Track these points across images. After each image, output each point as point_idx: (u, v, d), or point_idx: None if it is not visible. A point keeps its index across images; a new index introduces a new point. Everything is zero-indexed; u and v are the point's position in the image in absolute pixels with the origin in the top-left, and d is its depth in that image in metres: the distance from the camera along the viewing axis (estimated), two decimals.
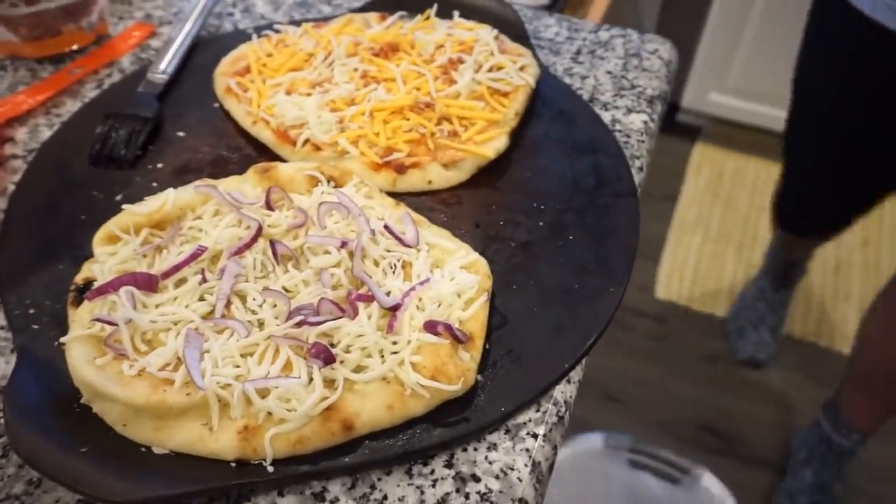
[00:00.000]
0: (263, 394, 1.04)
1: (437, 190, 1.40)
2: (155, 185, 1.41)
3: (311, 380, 1.06)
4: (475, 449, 1.09)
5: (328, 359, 1.07)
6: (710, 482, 2.62)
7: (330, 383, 1.08)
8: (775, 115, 4.72)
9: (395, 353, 1.11)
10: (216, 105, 1.59)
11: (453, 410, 1.10)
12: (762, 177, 4.77)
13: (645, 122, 1.57)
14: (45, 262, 1.27)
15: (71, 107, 1.61)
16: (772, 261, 3.66)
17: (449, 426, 1.08)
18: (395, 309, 1.14)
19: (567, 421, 1.16)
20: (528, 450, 1.09)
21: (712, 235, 4.54)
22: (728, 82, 4.23)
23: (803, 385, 3.82)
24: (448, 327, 1.12)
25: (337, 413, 1.04)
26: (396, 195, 1.37)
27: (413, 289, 1.17)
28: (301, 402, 1.03)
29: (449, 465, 1.07)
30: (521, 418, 1.12)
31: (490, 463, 1.07)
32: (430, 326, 1.13)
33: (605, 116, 1.57)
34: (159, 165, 1.45)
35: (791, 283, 3.69)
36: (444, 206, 1.38)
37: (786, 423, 3.68)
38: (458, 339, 1.13)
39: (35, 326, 1.18)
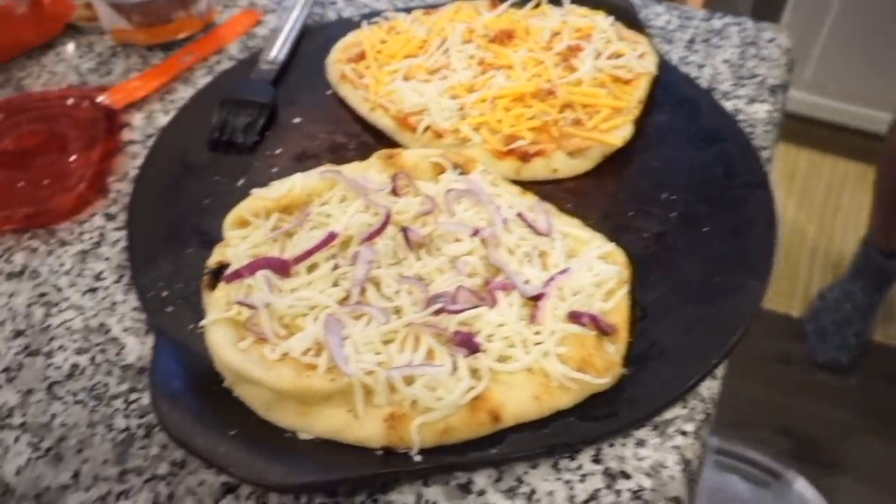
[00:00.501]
0: (409, 381, 1.01)
1: (562, 179, 1.36)
2: (275, 170, 1.40)
3: (455, 368, 1.03)
4: (623, 445, 1.05)
5: (473, 348, 1.04)
6: (802, 487, 2.54)
7: (473, 373, 1.05)
8: (853, 112, 4.58)
9: (537, 343, 1.08)
10: (329, 92, 1.57)
11: (599, 404, 1.06)
12: (838, 175, 4.62)
13: (769, 112, 1.51)
14: (173, 245, 1.27)
15: (184, 93, 1.61)
16: (864, 260, 3.54)
17: (596, 420, 1.04)
18: (537, 298, 1.10)
19: (713, 419, 1.12)
20: (678, 447, 1.05)
21: (785, 233, 4.41)
22: (804, 76, 4.10)
23: (886, 391, 3.69)
24: (594, 318, 1.09)
25: (484, 403, 1.01)
26: (520, 184, 1.34)
27: (554, 278, 1.13)
28: (447, 392, 1.00)
29: (596, 460, 1.03)
30: (668, 415, 1.08)
31: (639, 460, 1.03)
32: (576, 317, 1.09)
33: (727, 106, 1.52)
34: (278, 151, 1.44)
35: (884, 286, 3.56)
36: (570, 195, 1.34)
37: (864, 428, 3.56)
38: (605, 330, 1.09)
39: (169, 309, 1.17)
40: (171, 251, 1.25)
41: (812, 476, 3.17)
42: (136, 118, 1.53)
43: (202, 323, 1.09)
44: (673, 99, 1.51)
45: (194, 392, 1.05)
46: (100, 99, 1.51)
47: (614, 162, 1.39)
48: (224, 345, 1.04)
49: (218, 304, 1.12)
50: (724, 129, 1.45)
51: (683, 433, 1.06)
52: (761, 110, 1.53)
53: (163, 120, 1.52)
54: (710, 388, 1.12)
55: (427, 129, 1.40)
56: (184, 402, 1.02)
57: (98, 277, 1.25)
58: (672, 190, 1.34)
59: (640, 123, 1.45)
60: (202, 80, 1.64)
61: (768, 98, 1.56)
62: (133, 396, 1.09)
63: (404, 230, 1.18)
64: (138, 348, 1.15)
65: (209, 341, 1.06)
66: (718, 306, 1.17)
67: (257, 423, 1.02)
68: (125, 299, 1.22)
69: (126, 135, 1.50)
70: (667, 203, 1.32)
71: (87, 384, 1.10)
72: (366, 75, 1.50)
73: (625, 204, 1.32)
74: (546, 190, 1.36)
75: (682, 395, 1.08)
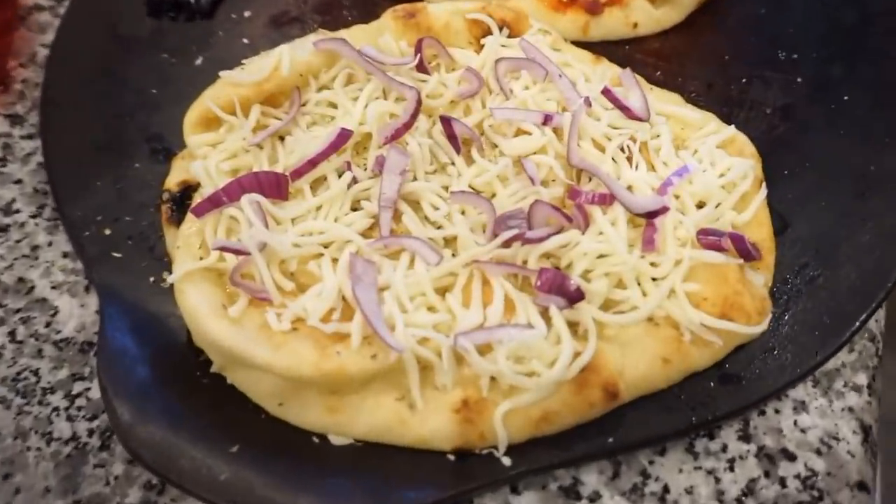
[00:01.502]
0: (484, 350, 0.69)
1: (644, 36, 1.02)
2: (246, 41, 1.02)
3: (549, 327, 0.71)
4: (776, 411, 0.77)
5: (571, 295, 0.72)
6: None
7: (573, 330, 0.73)
8: None
9: (656, 279, 0.76)
10: None
11: (741, 358, 0.77)
12: None
13: None
14: (112, 158, 0.90)
15: None
16: None
17: (741, 382, 0.74)
18: (651, 215, 0.77)
19: (882, 361, 0.83)
20: (850, 409, 0.77)
21: None
22: None
23: None
24: (738, 239, 0.76)
25: (594, 375, 0.71)
26: (588, 45, 0.97)
27: (668, 182, 0.80)
28: (543, 362, 0.69)
29: (745, 436, 0.76)
30: (831, 363, 0.78)
31: (803, 431, 0.76)
32: (710, 239, 0.77)
33: None
34: (247, 14, 1.05)
35: None
36: (657, 59, 1.00)
37: None
38: (750, 255, 0.77)
39: (116, 254, 0.82)
40: (110, 167, 0.89)
41: None
42: None
43: (170, 279, 0.74)
44: None
45: (167, 382, 0.72)
46: None
47: (709, 10, 1.06)
48: (206, 312, 0.71)
49: (188, 246, 0.78)
50: None
51: (856, 388, 0.78)
52: None
53: None
54: (878, 321, 0.83)
55: None
56: (153, 401, 0.70)
57: (7, 210, 0.89)
58: (792, 45, 1.01)
59: None
60: None
61: None
62: (77, 387, 0.77)
63: (443, 121, 0.83)
64: (77, 314, 0.82)
65: (182, 306, 0.73)
66: (880, 203, 0.85)
67: (267, 427, 0.71)
68: (50, 241, 0.86)
69: None
70: (788, 64, 0.99)
71: (6, 372, 0.77)
72: None
73: (733, 68, 0.99)
74: (623, 53, 1.01)
75: (848, 337, 0.78)
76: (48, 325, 0.81)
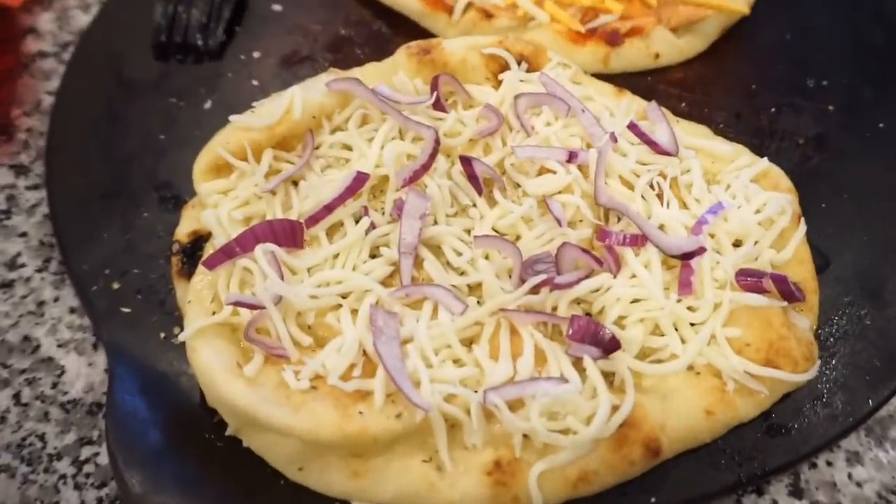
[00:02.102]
0: (516, 406, 0.65)
1: (667, 67, 0.99)
2: (255, 83, 0.99)
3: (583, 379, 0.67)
4: (829, 463, 0.72)
5: (607, 344, 0.67)
6: None
7: (608, 381, 0.68)
8: None
9: (695, 324, 0.72)
10: None
11: (787, 408, 0.72)
12: None
13: None
14: (119, 207, 0.87)
15: None
16: None
17: (784, 433, 0.70)
18: (687, 257, 0.72)
19: None
20: None
21: None
22: None
23: None
24: (780, 280, 0.72)
25: (634, 430, 0.66)
26: (609, 78, 0.94)
27: (703, 220, 0.75)
28: (578, 416, 0.64)
29: (796, 491, 0.71)
30: (884, 410, 0.74)
31: (858, 485, 0.71)
32: (750, 280, 0.72)
33: None
34: (256, 54, 1.02)
35: None
36: (681, 89, 0.96)
37: None
38: (796, 296, 0.72)
39: (125, 309, 0.78)
40: (118, 217, 0.86)
41: None
42: (44, 20, 1.09)
43: (181, 336, 0.70)
44: None
45: (180, 447, 0.68)
46: None
47: (733, 36, 1.02)
48: (220, 372, 0.67)
49: (200, 300, 0.74)
50: None
51: None
52: None
53: (82, 20, 1.09)
54: None
55: (469, 6, 0.99)
56: (166, 468, 0.66)
57: (13, 265, 0.85)
58: (821, 71, 0.97)
59: None
60: None
61: None
62: (85, 452, 0.73)
63: (463, 161, 0.79)
64: (85, 373, 0.78)
65: (195, 365, 0.69)
66: None
67: (287, 493, 0.68)
68: (57, 296, 0.83)
69: (32, 44, 1.05)
70: (818, 91, 0.96)
71: (11, 438, 0.73)
72: None
73: (761, 97, 0.96)
74: (646, 84, 0.98)
75: None
76: (55, 385, 0.77)
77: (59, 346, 0.80)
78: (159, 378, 0.73)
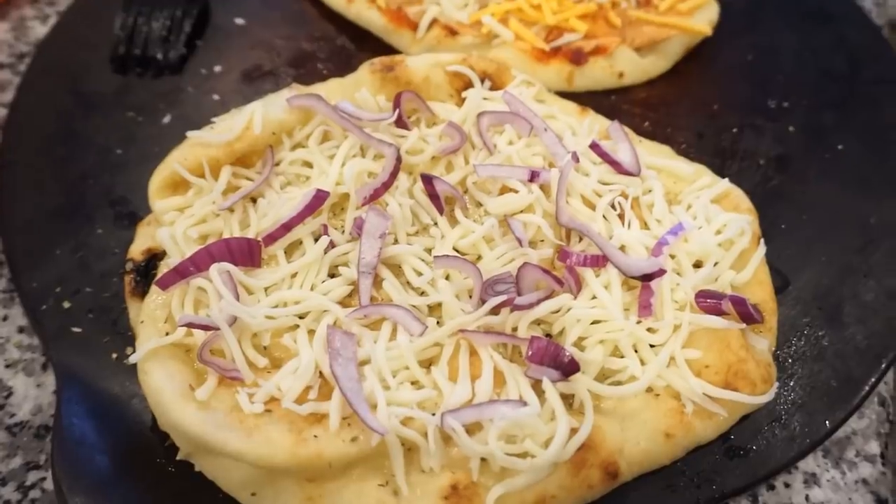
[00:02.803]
0: (474, 430, 0.64)
1: (631, 86, 0.99)
2: (216, 97, 0.98)
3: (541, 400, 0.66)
4: (786, 485, 0.73)
5: (566, 367, 0.67)
6: None
7: (567, 403, 0.68)
8: None
9: (654, 346, 0.71)
10: None
11: (745, 428, 0.72)
12: None
13: None
14: (73, 224, 0.85)
15: None
16: None
17: (742, 455, 0.70)
18: (647, 278, 0.72)
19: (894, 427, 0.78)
20: (864, 480, 0.73)
21: None
22: None
23: None
24: (739, 302, 0.72)
25: (592, 453, 0.66)
26: (573, 96, 0.94)
27: (663, 241, 0.75)
28: (536, 440, 0.64)
29: None
30: (841, 431, 0.74)
31: None
32: (710, 302, 0.72)
33: None
34: (217, 69, 1.01)
35: None
36: (645, 108, 0.97)
37: None
38: (755, 318, 0.72)
39: (76, 329, 0.76)
40: (71, 233, 0.84)
41: None
42: (0, 30, 1.06)
43: (132, 358, 0.68)
44: None
45: (129, 472, 0.67)
46: None
47: (696, 57, 1.03)
48: (172, 395, 0.65)
49: (152, 320, 0.72)
50: (832, 4, 1.08)
51: (868, 458, 0.73)
52: None
53: (40, 31, 1.07)
54: (888, 384, 0.79)
55: (433, 23, 0.98)
56: (114, 494, 0.65)
57: None
58: (782, 93, 0.98)
59: (721, 1, 1.05)
60: None
61: None
62: (31, 477, 0.70)
63: (424, 179, 0.78)
64: (33, 395, 0.76)
65: (146, 388, 0.67)
66: (882, 260, 0.82)
67: None
68: (5, 314, 0.81)
69: None
70: (779, 112, 0.96)
71: None
72: None
73: (723, 117, 0.96)
74: (609, 103, 0.98)
75: (859, 403, 0.73)
76: (1, 407, 0.75)
77: (7, 366, 0.77)
78: (110, 400, 0.71)
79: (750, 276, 0.77)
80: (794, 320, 0.78)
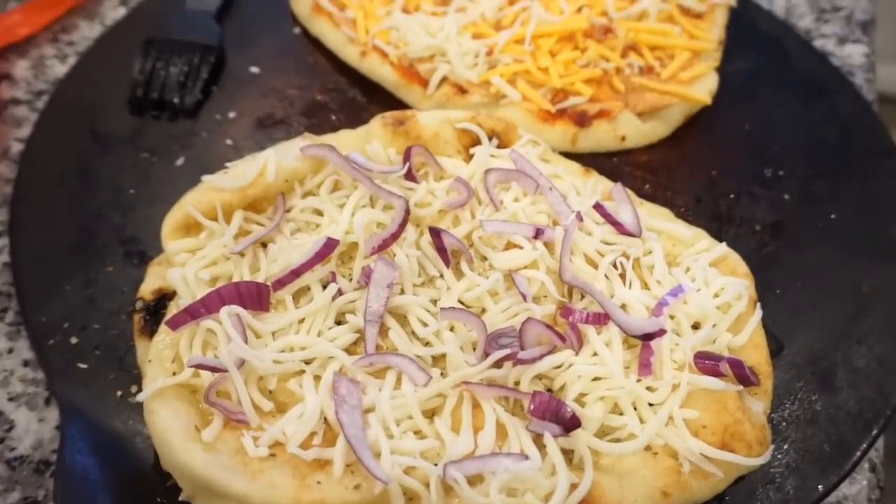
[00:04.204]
0: (475, 481, 0.65)
1: (632, 149, 1.02)
2: (229, 142, 1.00)
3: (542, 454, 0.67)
4: None
5: (567, 422, 0.68)
6: None
7: (567, 458, 0.69)
8: None
9: (653, 405, 0.73)
10: (297, 31, 1.16)
11: (739, 489, 0.73)
12: None
13: (867, 56, 1.19)
14: (83, 260, 0.87)
15: (87, 31, 1.18)
16: None
17: None
18: (648, 337, 0.74)
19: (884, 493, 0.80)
20: None
21: None
22: None
23: None
24: (736, 364, 0.74)
25: None
26: (576, 157, 0.97)
27: (664, 302, 0.77)
28: (536, 494, 0.65)
29: None
30: (833, 496, 0.75)
31: None
32: (708, 364, 0.74)
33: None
34: (231, 115, 1.03)
35: None
36: (645, 171, 0.99)
37: None
38: (751, 381, 0.74)
39: (82, 365, 0.77)
40: (81, 270, 0.85)
41: None
42: (19, 67, 1.10)
43: (139, 396, 0.69)
44: (754, 40, 1.17)
45: None
46: None
47: (696, 123, 1.06)
48: (177, 436, 0.66)
49: (160, 360, 0.73)
50: (825, 79, 1.12)
51: None
52: (856, 53, 1.21)
53: (59, 69, 1.10)
54: (878, 450, 0.80)
55: (443, 81, 1.01)
56: None
57: None
58: (778, 162, 1.02)
59: (720, 71, 1.09)
60: (114, 12, 1.21)
61: (861, 37, 1.23)
62: None
63: (432, 232, 0.80)
64: (35, 429, 0.76)
65: (152, 427, 0.68)
66: (874, 327, 0.84)
67: None
68: (11, 347, 0.82)
69: (5, 90, 1.05)
70: (775, 181, 1.00)
71: None
72: (349, 6, 1.09)
73: (721, 183, 0.99)
74: (611, 165, 1.01)
75: (850, 468, 0.75)
76: (2, 441, 0.75)
77: (10, 399, 0.78)
78: (113, 438, 0.72)
79: (746, 339, 0.79)
80: (789, 384, 0.80)
